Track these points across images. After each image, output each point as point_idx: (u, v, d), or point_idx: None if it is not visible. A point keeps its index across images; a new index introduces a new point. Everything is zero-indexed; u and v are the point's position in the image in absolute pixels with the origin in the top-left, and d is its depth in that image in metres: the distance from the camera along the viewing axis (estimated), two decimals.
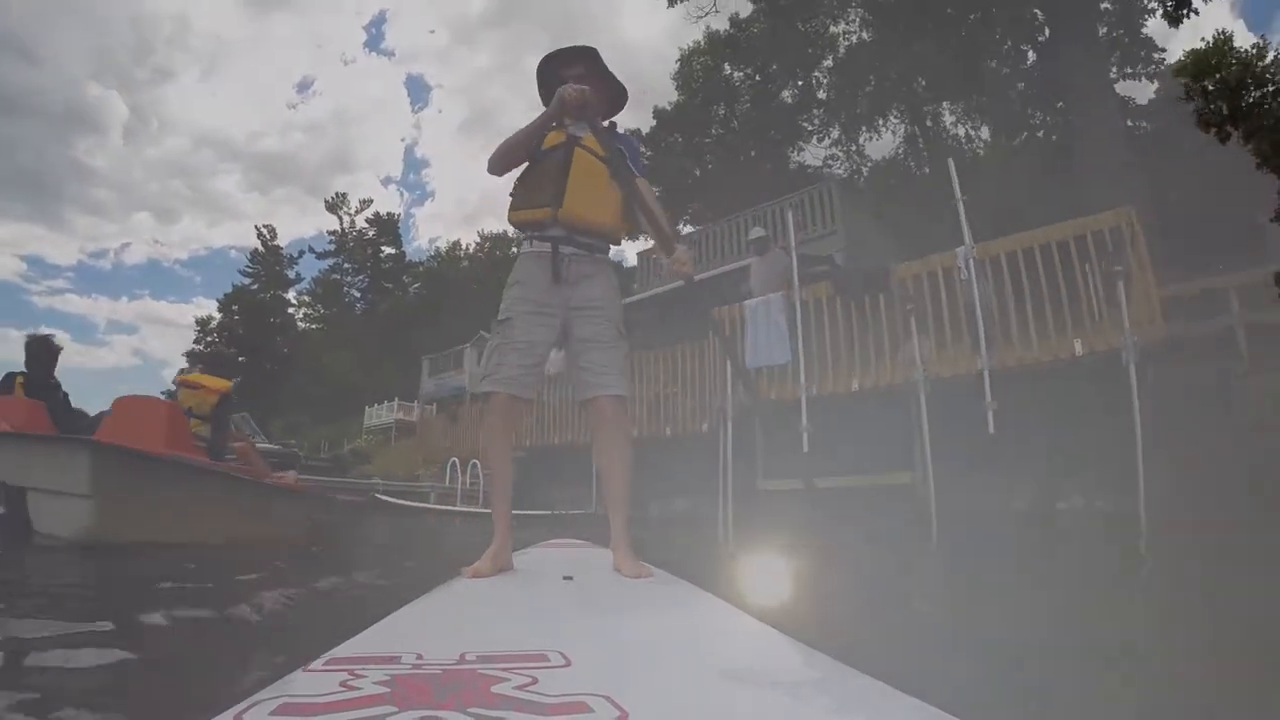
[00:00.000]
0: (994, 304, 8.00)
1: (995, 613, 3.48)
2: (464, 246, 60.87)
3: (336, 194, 60.70)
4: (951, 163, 8.47)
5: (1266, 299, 8.61)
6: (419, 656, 1.32)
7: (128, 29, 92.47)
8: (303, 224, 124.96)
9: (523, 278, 2.85)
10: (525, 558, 2.96)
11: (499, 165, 2.93)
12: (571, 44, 3.10)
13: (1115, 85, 20.08)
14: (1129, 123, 21.00)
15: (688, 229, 22.97)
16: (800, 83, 25.60)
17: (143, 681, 2.13)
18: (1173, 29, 19.54)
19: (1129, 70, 21.83)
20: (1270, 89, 8.91)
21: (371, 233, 59.31)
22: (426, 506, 13.81)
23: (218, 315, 57.42)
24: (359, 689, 1.12)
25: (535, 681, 1.16)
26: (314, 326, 58.53)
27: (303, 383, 48.93)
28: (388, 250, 59.57)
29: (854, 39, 23.20)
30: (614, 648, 1.52)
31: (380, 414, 36.50)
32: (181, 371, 7.03)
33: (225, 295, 57.09)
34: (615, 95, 3.12)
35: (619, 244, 3.03)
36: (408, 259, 61.07)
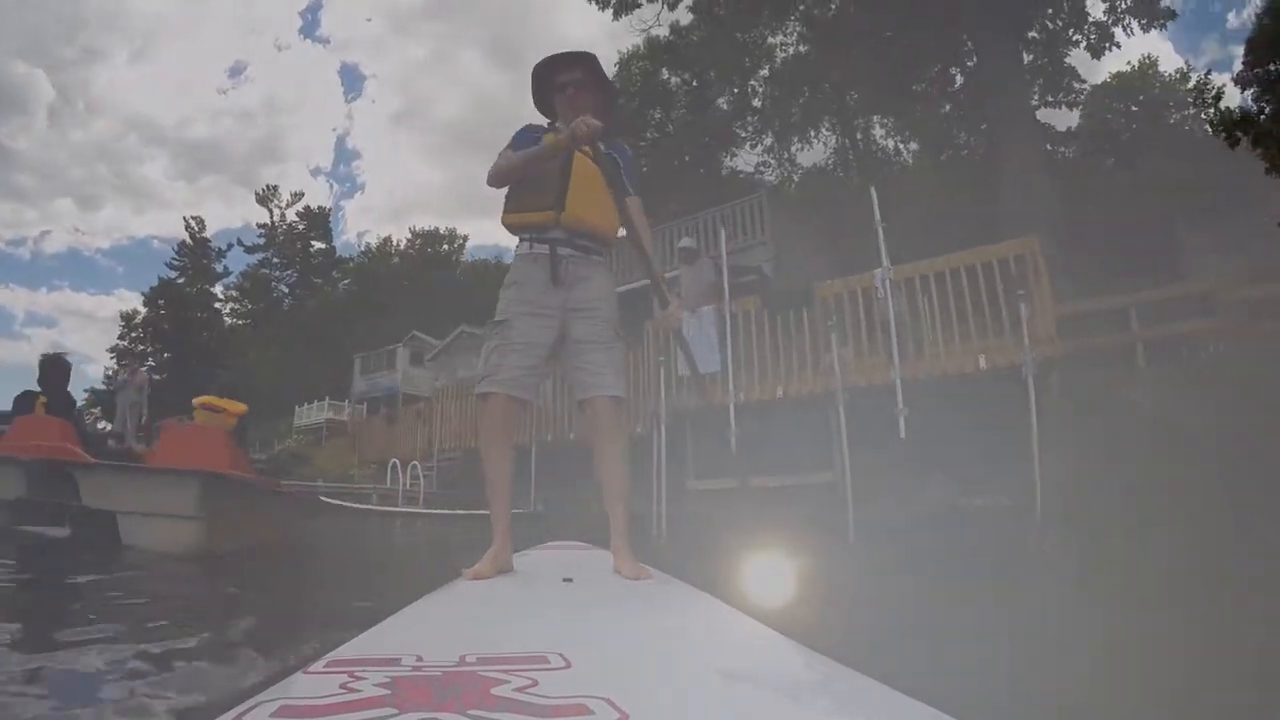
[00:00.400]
0: (907, 321, 8.77)
1: (898, 596, 3.87)
2: (395, 243, 60.15)
3: (267, 186, 59.82)
4: (874, 191, 9.06)
5: (1161, 316, 9.75)
6: (419, 658, 1.32)
7: (59, 4, 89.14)
8: (230, 215, 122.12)
9: (520, 279, 2.86)
10: (525, 559, 2.95)
11: (499, 181, 2.92)
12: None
13: (1038, 111, 21.02)
14: (1049, 147, 21.88)
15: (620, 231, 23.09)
16: (736, 90, 25.93)
17: (143, 681, 2.09)
18: (1095, 60, 20.68)
19: (1050, 99, 22.64)
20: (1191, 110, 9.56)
21: (301, 226, 58.08)
22: (390, 510, 13.81)
23: (143, 310, 55.05)
24: (359, 691, 1.11)
25: (535, 684, 1.16)
26: (241, 322, 57.02)
27: (229, 380, 47.61)
28: (318, 245, 58.38)
29: (791, 50, 23.55)
30: (614, 649, 1.53)
31: (310, 413, 35.95)
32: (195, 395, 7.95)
33: (151, 289, 54.93)
34: (609, 103, 3.11)
35: (614, 245, 3.03)
36: (337, 254, 59.99)
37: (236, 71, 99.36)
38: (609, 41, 51.60)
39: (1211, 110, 9.42)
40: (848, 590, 4.15)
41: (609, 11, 22.09)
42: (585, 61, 3.02)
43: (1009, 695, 2.23)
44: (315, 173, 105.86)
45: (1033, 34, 19.71)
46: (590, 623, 1.87)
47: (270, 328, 53.33)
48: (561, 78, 2.98)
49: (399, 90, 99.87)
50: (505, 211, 2.93)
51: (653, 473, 8.80)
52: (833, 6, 21.23)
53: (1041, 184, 15.64)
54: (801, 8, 21.61)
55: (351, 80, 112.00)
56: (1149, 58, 28.65)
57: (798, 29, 22.83)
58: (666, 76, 27.25)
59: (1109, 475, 6.37)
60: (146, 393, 15.89)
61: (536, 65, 3.05)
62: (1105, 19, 19.28)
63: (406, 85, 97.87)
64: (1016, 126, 16.79)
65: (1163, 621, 3.02)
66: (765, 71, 24.38)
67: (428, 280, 54.41)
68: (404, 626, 1.73)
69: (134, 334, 54.02)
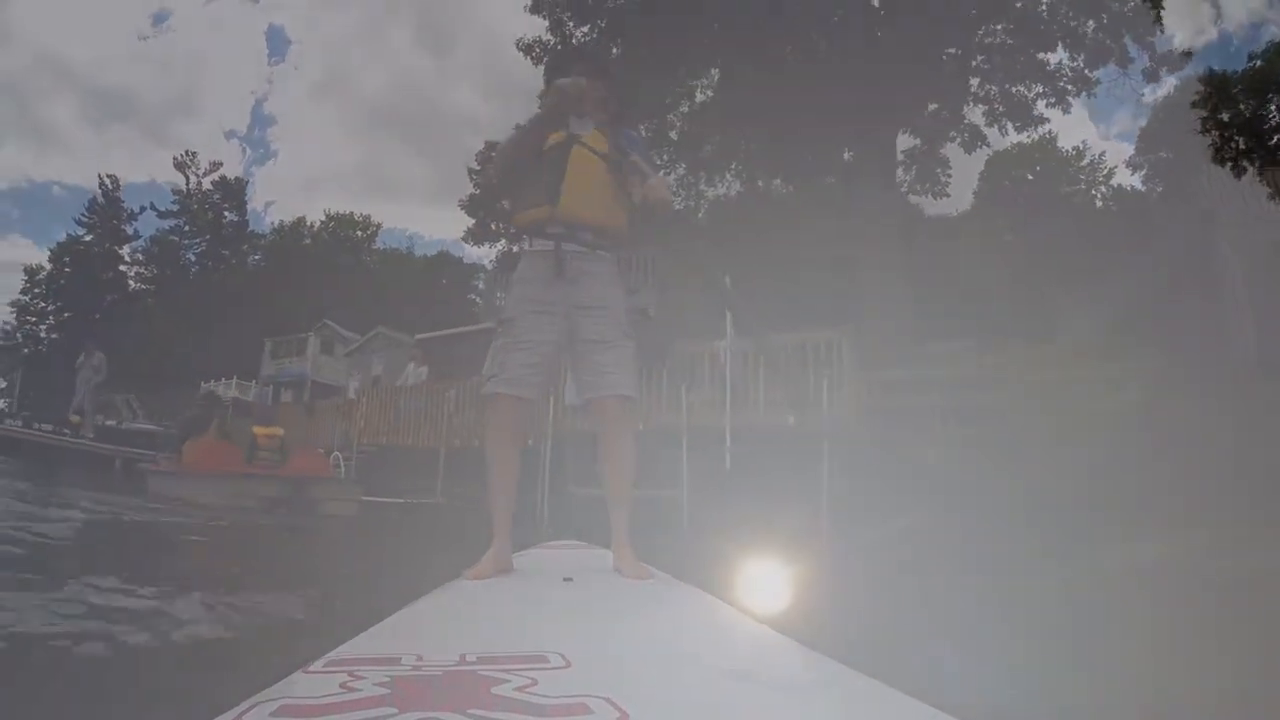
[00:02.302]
0: (743, 381, 11.23)
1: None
2: (309, 224, 58.61)
3: (186, 152, 56.91)
4: (727, 279, 10.44)
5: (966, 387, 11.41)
6: (419, 658, 1.32)
7: None
8: (135, 169, 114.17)
9: (525, 276, 2.83)
10: (525, 559, 2.92)
11: (501, 167, 2.94)
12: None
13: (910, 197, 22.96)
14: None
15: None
16: (655, 120, 26.11)
17: (144, 682, 2.03)
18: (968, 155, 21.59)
19: (919, 186, 23.40)
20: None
21: (216, 196, 56.06)
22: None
23: (48, 265, 53.09)
24: (359, 690, 1.11)
25: (535, 683, 1.16)
26: (144, 287, 54.81)
27: (129, 348, 45.67)
28: (230, 216, 56.43)
29: (709, 94, 23.77)
30: (614, 649, 1.52)
31: (218, 391, 34.77)
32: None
33: (59, 244, 53.18)
34: (615, 96, 3.11)
35: (623, 242, 2.97)
36: (250, 228, 58.12)
37: (160, 19, 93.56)
38: (549, 33, 50.98)
39: (1103, 187, 10.36)
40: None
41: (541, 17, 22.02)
42: (589, 58, 3.11)
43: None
44: (229, 135, 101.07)
45: (906, 133, 20.81)
46: (590, 623, 1.87)
47: (175, 296, 51.35)
48: (569, 69, 2.96)
49: (323, 60, 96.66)
50: (511, 211, 2.95)
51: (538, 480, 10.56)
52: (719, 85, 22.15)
53: (897, 263, 17.34)
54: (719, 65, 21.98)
55: (277, 43, 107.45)
56: (1050, 133, 29.70)
57: (714, 78, 23.12)
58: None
59: (885, 519, 7.77)
60: (103, 374, 16.14)
61: (545, 71, 3.10)
62: (982, 122, 20.68)
63: (331, 56, 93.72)
64: (880, 211, 18.18)
65: None
66: (684, 108, 24.59)
67: (341, 266, 53.30)
68: (404, 626, 1.72)
69: (36, 290, 52.34)
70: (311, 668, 1.22)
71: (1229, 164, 9.83)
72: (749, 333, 10.15)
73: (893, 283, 16.81)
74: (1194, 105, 10.29)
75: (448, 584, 2.37)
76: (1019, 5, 18.61)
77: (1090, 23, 18.46)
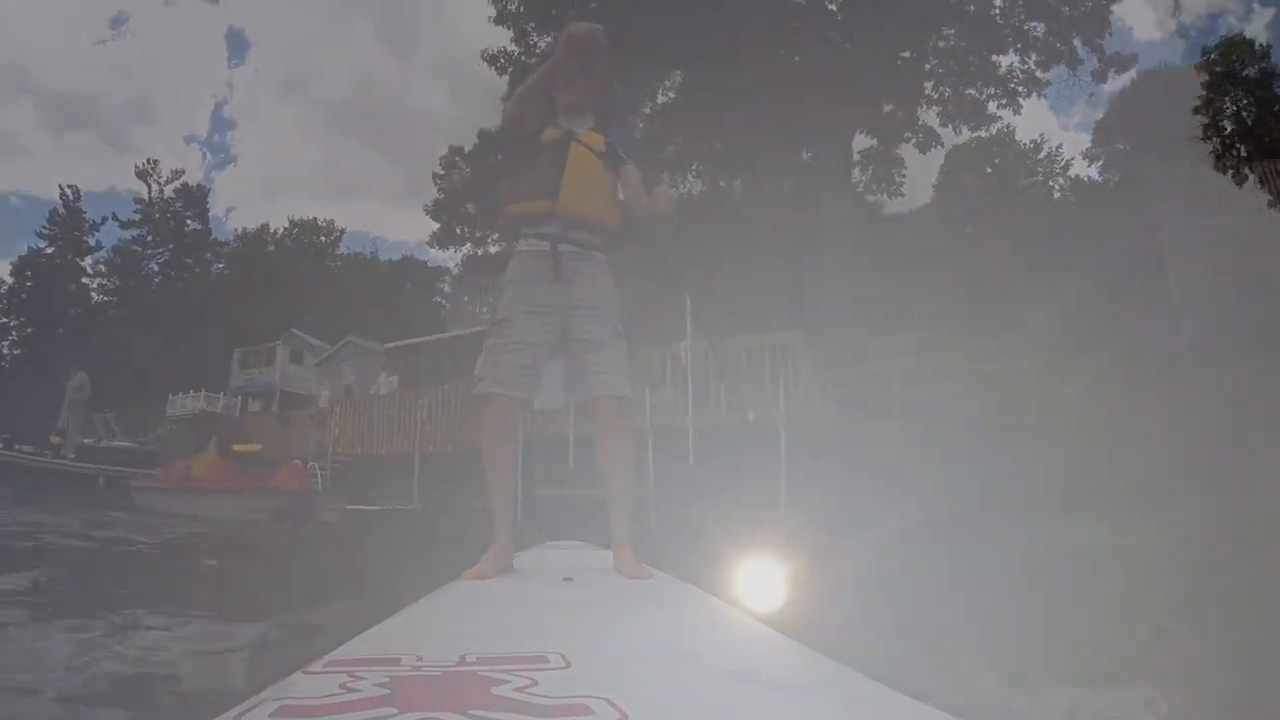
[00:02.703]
0: (704, 381, 11.76)
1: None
2: (272, 231, 58.09)
3: (148, 160, 56.19)
4: (688, 300, 11.47)
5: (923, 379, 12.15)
6: (419, 659, 1.31)
7: None
8: (95, 176, 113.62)
9: (519, 276, 2.81)
10: (525, 559, 2.90)
11: (517, 106, 2.95)
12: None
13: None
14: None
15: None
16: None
17: (144, 681, 2.00)
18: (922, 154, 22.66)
19: (875, 186, 24.35)
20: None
21: (179, 205, 55.35)
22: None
23: (9, 279, 52.60)
24: (359, 691, 1.10)
25: (535, 684, 1.15)
26: (106, 299, 54.00)
27: (95, 361, 44.77)
28: (193, 225, 55.73)
29: (670, 96, 23.94)
30: (615, 649, 1.52)
31: (185, 403, 34.35)
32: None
33: (20, 258, 52.64)
34: (611, 92, 3.08)
35: (617, 242, 2.96)
36: (213, 236, 57.45)
37: (119, 22, 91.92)
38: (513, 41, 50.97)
39: (1060, 179, 10.77)
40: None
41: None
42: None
43: None
44: (189, 140, 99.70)
45: (863, 133, 21.75)
46: (590, 623, 1.86)
47: (139, 307, 50.61)
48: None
49: (283, 61, 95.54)
50: (503, 203, 2.91)
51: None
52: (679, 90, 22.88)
53: (852, 260, 18.21)
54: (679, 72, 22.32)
55: (237, 46, 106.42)
56: (1007, 127, 30.11)
57: (676, 81, 23.31)
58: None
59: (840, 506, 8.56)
60: (86, 393, 16.28)
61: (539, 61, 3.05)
62: (936, 123, 21.55)
63: (292, 57, 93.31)
64: (836, 210, 19.03)
65: None
66: (647, 109, 24.75)
67: (305, 273, 52.98)
68: (404, 626, 1.71)
69: None
70: (311, 668, 1.22)
71: (1230, 171, 10.00)
72: (707, 335, 10.93)
73: (846, 281, 17.57)
74: (1195, 111, 10.47)
75: (448, 584, 2.36)
76: (971, 9, 19.31)
77: (1040, 26, 19.19)
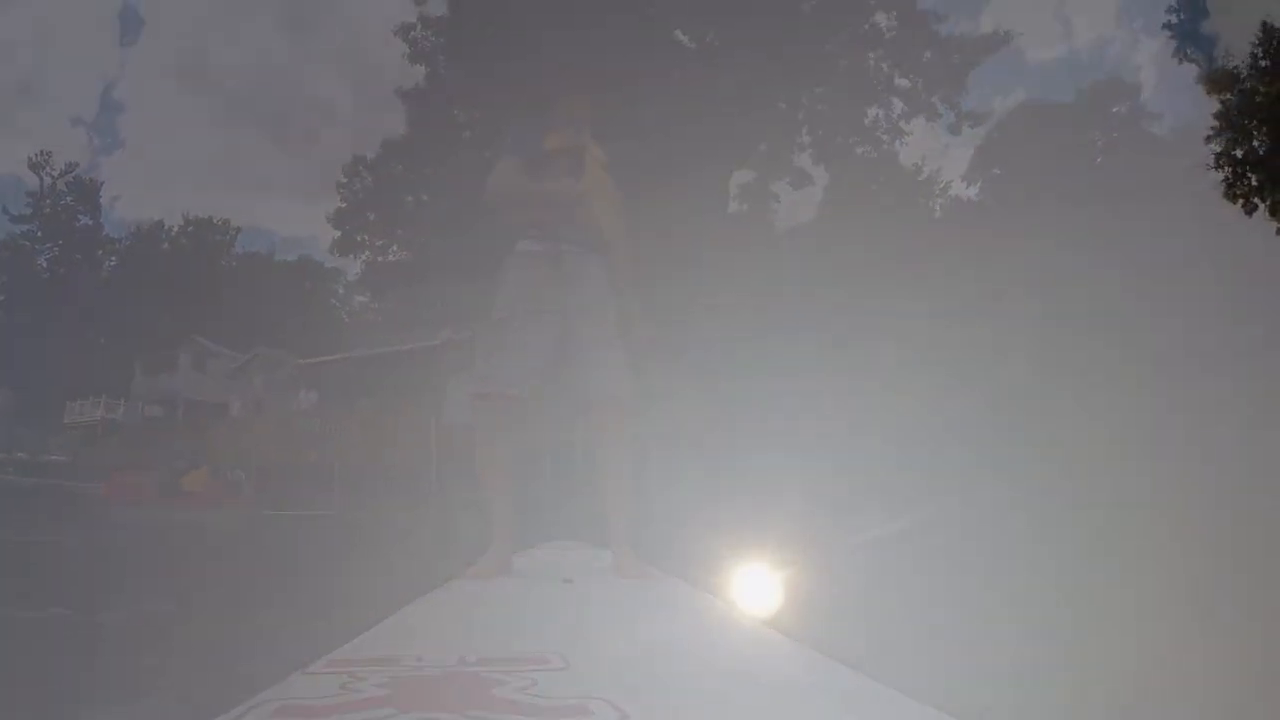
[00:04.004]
0: None
1: None
2: (167, 228, 57.05)
3: (41, 152, 54.33)
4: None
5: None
6: (419, 659, 1.31)
7: None
8: None
9: (519, 278, 2.81)
10: (525, 559, 2.90)
11: (506, 201, 2.90)
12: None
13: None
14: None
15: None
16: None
17: (144, 681, 2.01)
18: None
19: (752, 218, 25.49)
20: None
21: (69, 198, 53.93)
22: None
23: None
24: (359, 691, 1.10)
25: (535, 684, 1.15)
26: None
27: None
28: (84, 220, 54.20)
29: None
30: (614, 649, 1.52)
31: (84, 410, 33.40)
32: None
33: None
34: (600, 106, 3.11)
35: (617, 247, 2.93)
36: (105, 231, 55.91)
37: None
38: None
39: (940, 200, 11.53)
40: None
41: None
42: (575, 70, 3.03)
43: None
44: (75, 122, 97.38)
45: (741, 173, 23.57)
46: (590, 623, 1.86)
47: (27, 308, 49.17)
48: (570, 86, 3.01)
49: (178, 43, 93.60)
50: (506, 204, 2.89)
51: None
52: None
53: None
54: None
55: (131, 24, 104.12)
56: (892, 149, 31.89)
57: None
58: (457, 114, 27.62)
59: None
60: (13, 409, 16.63)
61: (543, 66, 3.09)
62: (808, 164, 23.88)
63: (187, 39, 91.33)
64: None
65: None
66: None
67: (200, 274, 51.81)
68: (404, 626, 1.71)
69: None
70: (312, 668, 1.22)
71: (1240, 200, 9.98)
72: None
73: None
74: (1208, 140, 10.43)
75: (448, 584, 2.37)
76: (843, 65, 21.98)
77: (905, 82, 22.18)
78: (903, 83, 22.11)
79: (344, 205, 36.92)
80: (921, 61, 21.76)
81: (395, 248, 27.80)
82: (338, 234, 38.26)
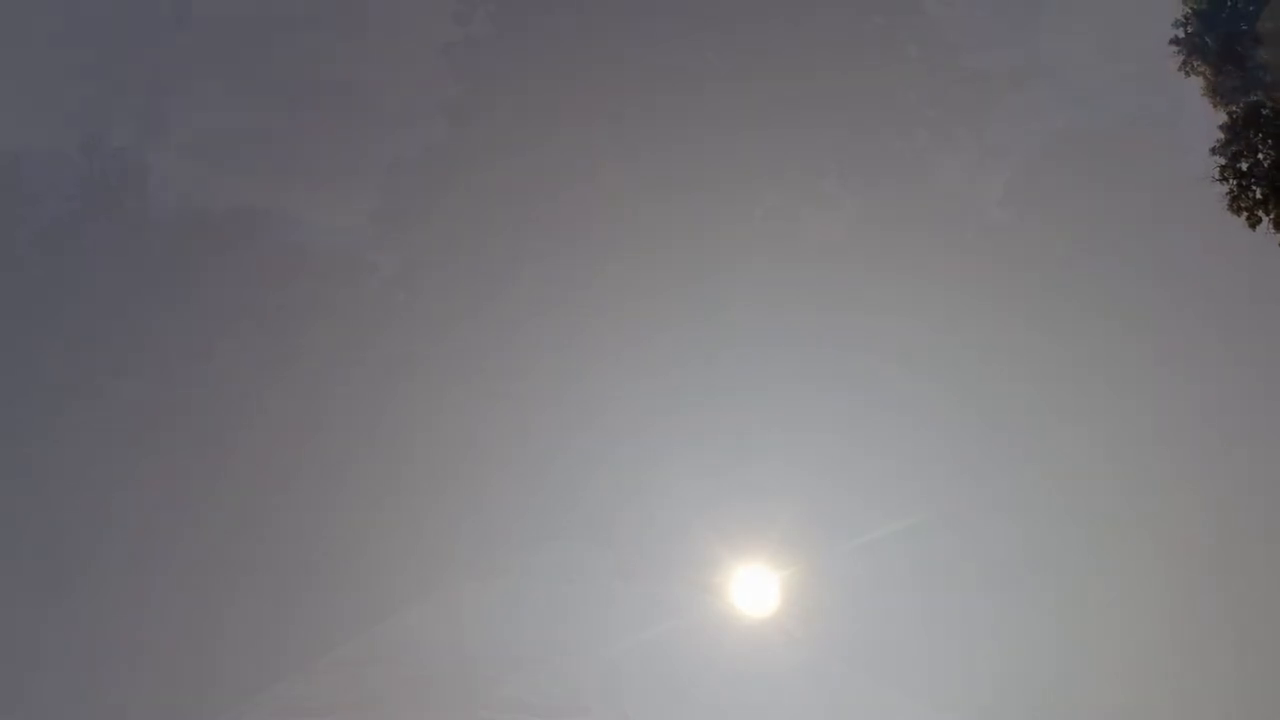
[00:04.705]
0: None
1: None
2: (210, 213, 56.39)
3: (90, 135, 54.29)
4: None
5: None
6: (419, 659, 1.26)
7: None
8: None
9: None
10: (525, 559, 2.86)
11: None
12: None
13: None
14: None
15: None
16: None
17: (144, 681, 1.96)
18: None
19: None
20: None
21: (115, 181, 53.56)
22: None
23: None
24: (359, 691, 1.07)
25: (535, 684, 1.13)
26: None
27: None
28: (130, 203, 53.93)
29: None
30: (614, 650, 1.50)
31: None
32: None
33: None
34: None
35: None
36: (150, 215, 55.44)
37: None
38: None
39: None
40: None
41: None
42: None
43: None
44: (124, 106, 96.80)
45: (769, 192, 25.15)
46: (591, 623, 1.83)
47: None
48: None
49: (229, 30, 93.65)
50: None
51: None
52: None
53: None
54: None
55: (182, 7, 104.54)
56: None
57: None
58: None
59: None
60: None
61: None
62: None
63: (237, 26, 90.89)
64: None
65: None
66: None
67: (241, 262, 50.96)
68: (404, 626, 1.67)
69: None
70: (311, 668, 1.19)
71: (1244, 213, 9.91)
72: None
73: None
74: (1213, 152, 10.35)
75: (447, 584, 2.33)
76: (873, 91, 23.60)
77: (931, 114, 23.58)
78: (930, 113, 23.36)
79: (383, 204, 38.17)
80: (948, 94, 23.14)
81: (434, 244, 29.48)
82: (376, 229, 39.43)
